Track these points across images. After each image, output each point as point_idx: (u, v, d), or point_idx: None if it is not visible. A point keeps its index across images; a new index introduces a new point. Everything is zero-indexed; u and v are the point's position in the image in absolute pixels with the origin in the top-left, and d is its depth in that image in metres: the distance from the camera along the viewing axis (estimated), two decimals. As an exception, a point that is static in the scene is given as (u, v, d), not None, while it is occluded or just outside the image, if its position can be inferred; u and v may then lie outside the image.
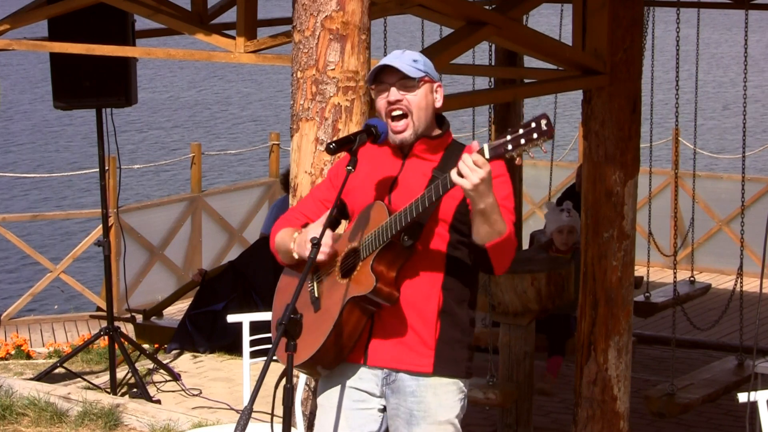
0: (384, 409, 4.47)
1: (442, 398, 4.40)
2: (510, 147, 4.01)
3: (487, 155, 4.04)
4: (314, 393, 5.91)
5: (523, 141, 4.00)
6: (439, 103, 4.44)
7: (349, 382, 4.44)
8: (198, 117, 32.05)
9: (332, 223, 4.48)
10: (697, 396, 8.42)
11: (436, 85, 4.44)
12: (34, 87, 34.68)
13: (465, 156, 4.06)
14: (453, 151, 4.42)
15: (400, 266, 4.31)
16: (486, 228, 4.19)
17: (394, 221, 4.25)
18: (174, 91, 36.00)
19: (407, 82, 4.36)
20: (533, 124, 3.99)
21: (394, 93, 4.37)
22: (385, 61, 4.38)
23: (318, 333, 4.35)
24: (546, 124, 3.97)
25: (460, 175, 4.05)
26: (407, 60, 4.37)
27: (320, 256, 4.30)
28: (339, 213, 4.55)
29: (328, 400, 4.49)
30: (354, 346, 4.38)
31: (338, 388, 4.46)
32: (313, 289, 4.46)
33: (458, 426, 4.46)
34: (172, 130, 29.99)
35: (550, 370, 8.93)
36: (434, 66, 4.49)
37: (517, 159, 4.07)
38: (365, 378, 4.44)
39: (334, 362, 4.40)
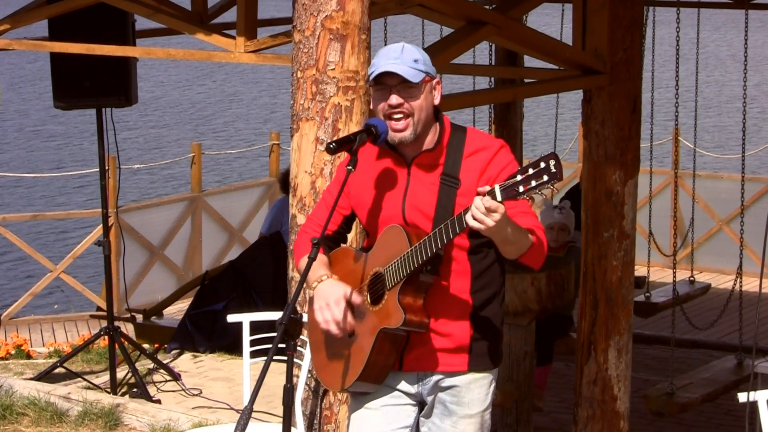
0: (416, 405, 4.51)
1: (475, 393, 4.45)
2: (521, 189, 3.99)
3: (499, 198, 4.01)
4: (314, 393, 5.92)
5: (533, 183, 3.97)
6: (437, 100, 4.40)
7: (385, 382, 4.46)
8: (194, 116, 32.01)
9: (334, 240, 4.55)
10: (696, 395, 8.42)
11: (434, 82, 4.39)
12: (26, 86, 34.68)
13: (477, 202, 4.02)
14: (454, 147, 4.39)
15: (426, 292, 4.33)
16: (513, 248, 4.22)
17: (414, 254, 4.25)
18: (166, 89, 35.96)
19: (409, 86, 4.31)
20: (542, 164, 3.96)
21: (395, 97, 4.31)
22: (385, 66, 4.29)
23: (356, 361, 4.39)
24: (555, 166, 3.95)
25: (475, 219, 4.04)
26: (408, 61, 4.30)
27: (322, 317, 4.31)
28: (347, 220, 4.57)
29: (364, 401, 4.51)
30: (393, 364, 4.43)
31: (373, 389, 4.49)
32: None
33: (487, 418, 4.50)
34: (166, 129, 29.96)
35: (538, 383, 8.77)
36: (434, 65, 4.47)
37: (530, 200, 4.08)
38: (400, 379, 4.47)
39: (377, 382, 4.43)
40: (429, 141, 4.40)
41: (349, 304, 4.32)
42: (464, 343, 4.40)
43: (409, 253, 4.26)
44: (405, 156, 4.42)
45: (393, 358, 4.40)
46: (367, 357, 4.34)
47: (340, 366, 4.43)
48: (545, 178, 3.96)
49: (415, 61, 4.31)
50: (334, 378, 4.48)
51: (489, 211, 4.00)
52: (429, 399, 4.48)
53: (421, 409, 4.53)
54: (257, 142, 22.68)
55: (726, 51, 41.75)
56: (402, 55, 4.31)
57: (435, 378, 4.44)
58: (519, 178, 4.00)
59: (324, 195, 4.69)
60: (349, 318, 4.32)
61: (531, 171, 3.98)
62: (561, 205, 9.38)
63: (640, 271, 10.46)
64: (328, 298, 4.31)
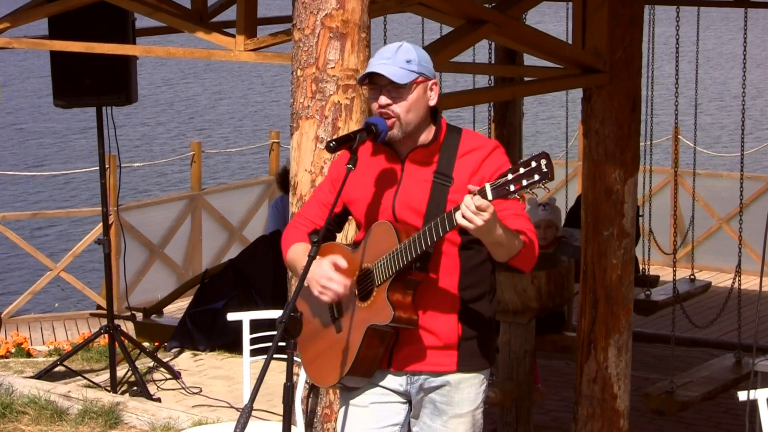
0: (406, 402, 4.50)
1: (465, 392, 4.44)
2: (512, 188, 3.98)
3: (489, 197, 4.00)
4: (314, 391, 5.92)
5: (524, 182, 3.96)
6: (433, 102, 4.38)
7: (374, 380, 4.46)
8: (190, 114, 31.99)
9: (330, 232, 4.54)
10: (696, 394, 8.42)
11: (431, 83, 4.37)
12: (20, 84, 34.68)
13: (467, 200, 4.02)
14: (448, 147, 4.38)
15: (415, 288, 4.32)
16: (503, 250, 4.20)
17: (403, 251, 4.24)
18: (160, 87, 35.92)
19: (398, 86, 4.30)
20: (533, 164, 3.95)
21: (383, 98, 4.33)
22: (375, 67, 4.30)
23: (345, 356, 4.38)
24: (546, 165, 3.93)
25: (465, 217, 4.03)
26: (400, 61, 4.29)
27: (328, 296, 4.32)
28: (338, 218, 4.58)
29: (353, 398, 4.51)
30: (382, 357, 4.43)
31: (363, 387, 4.48)
32: (332, 307, 4.46)
33: (478, 417, 4.50)
34: (162, 127, 29.94)
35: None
36: (433, 63, 4.46)
37: (521, 199, 4.06)
38: (389, 378, 4.47)
39: (367, 375, 4.43)
40: (424, 138, 4.40)
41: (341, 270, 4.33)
42: (452, 342, 4.39)
43: (398, 250, 4.25)
44: (399, 152, 4.43)
45: (382, 352, 4.39)
46: (356, 352, 4.34)
47: (330, 361, 4.42)
48: (536, 177, 3.94)
49: (408, 61, 4.30)
50: (323, 373, 4.48)
51: (479, 209, 4.00)
52: (418, 398, 4.46)
53: (411, 407, 4.52)
54: (257, 141, 22.67)
55: (720, 49, 41.74)
56: (395, 56, 4.31)
57: (423, 377, 4.43)
58: (510, 177, 3.99)
59: (315, 192, 4.69)
60: (345, 280, 4.30)
61: (522, 170, 3.97)
62: (546, 202, 9.40)
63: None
64: (320, 278, 4.30)
